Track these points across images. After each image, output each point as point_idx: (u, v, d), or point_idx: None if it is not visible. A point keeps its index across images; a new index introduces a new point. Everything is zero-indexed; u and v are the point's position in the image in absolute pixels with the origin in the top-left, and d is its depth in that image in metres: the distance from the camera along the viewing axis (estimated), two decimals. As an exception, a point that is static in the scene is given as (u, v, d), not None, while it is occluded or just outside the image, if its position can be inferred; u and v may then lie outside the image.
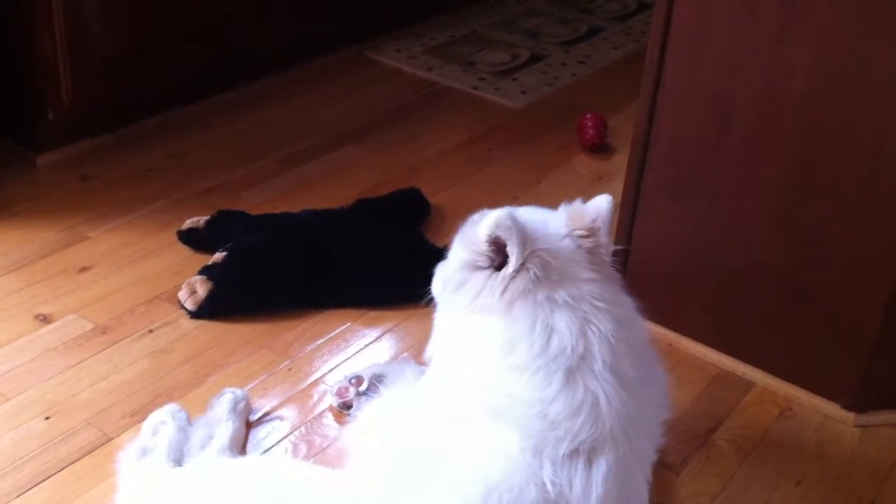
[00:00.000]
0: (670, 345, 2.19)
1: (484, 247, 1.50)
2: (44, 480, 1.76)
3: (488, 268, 1.51)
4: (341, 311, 2.24)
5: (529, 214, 1.57)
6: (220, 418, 1.83)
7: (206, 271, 2.24)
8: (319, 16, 3.28)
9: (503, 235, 1.47)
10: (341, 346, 2.15)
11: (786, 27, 1.81)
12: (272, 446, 1.88)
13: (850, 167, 1.84)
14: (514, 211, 1.52)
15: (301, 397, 2.00)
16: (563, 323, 1.46)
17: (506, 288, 1.48)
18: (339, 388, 1.97)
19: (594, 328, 1.47)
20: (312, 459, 1.84)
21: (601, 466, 1.42)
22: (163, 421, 1.80)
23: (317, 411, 1.97)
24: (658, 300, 1.97)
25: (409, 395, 1.69)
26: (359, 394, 1.94)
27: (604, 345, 1.47)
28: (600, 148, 2.98)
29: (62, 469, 1.79)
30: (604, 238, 1.57)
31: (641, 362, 1.55)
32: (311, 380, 2.05)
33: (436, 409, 1.54)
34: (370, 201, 2.57)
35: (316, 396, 2.00)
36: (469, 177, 2.83)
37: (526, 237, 1.48)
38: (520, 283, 1.48)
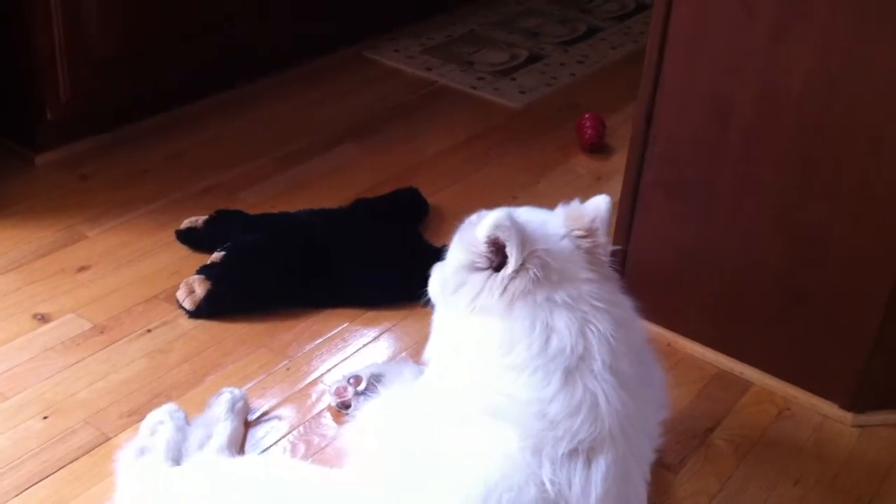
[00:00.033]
0: (669, 344, 2.19)
1: (483, 248, 1.50)
2: (42, 480, 1.76)
3: (487, 269, 1.51)
4: (340, 311, 2.24)
5: (528, 215, 1.57)
6: (218, 418, 1.83)
7: (204, 271, 2.24)
8: (319, 16, 3.28)
9: (502, 236, 1.47)
10: (340, 346, 2.15)
11: (784, 27, 1.81)
12: (270, 446, 1.88)
13: (849, 167, 1.84)
14: (512, 211, 1.52)
15: (299, 397, 2.00)
16: (563, 323, 1.47)
17: (505, 288, 1.48)
18: (338, 388, 1.97)
19: (593, 328, 1.47)
20: (311, 459, 1.84)
21: (600, 466, 1.42)
22: (161, 420, 1.80)
23: (315, 411, 1.97)
24: (657, 300, 1.97)
25: (408, 395, 1.69)
26: (357, 393, 1.94)
27: (603, 345, 1.47)
28: (599, 148, 2.98)
29: (60, 468, 1.78)
30: (602, 238, 1.57)
31: (640, 362, 1.55)
32: (309, 379, 2.05)
33: (434, 408, 1.54)
34: (369, 201, 2.57)
35: (314, 396, 2.00)
36: (467, 176, 2.83)
37: (525, 238, 1.48)
38: (519, 283, 1.48)
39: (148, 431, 1.79)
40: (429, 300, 1.67)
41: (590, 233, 1.56)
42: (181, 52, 2.86)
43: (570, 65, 3.59)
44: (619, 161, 2.62)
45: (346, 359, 2.11)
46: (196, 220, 2.45)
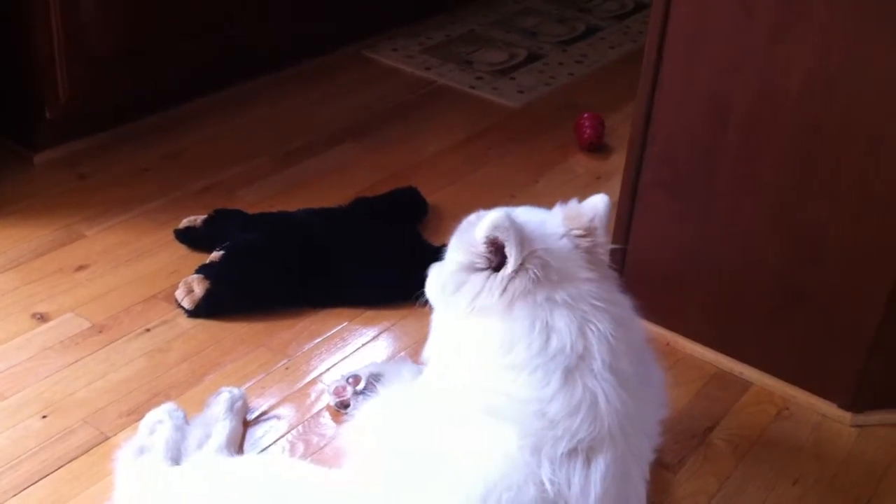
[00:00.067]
0: (668, 344, 2.19)
1: (482, 248, 1.50)
2: (41, 479, 1.76)
3: (487, 269, 1.51)
4: (338, 310, 2.24)
5: (526, 215, 1.57)
6: (217, 417, 1.83)
7: (203, 270, 2.24)
8: (318, 16, 3.28)
9: (501, 236, 1.47)
10: (339, 345, 2.15)
11: (783, 27, 1.81)
12: (269, 445, 1.88)
13: (848, 167, 1.84)
14: (511, 211, 1.52)
15: (298, 396, 2.00)
16: (563, 322, 1.47)
17: (505, 288, 1.48)
18: (337, 387, 1.97)
19: (593, 327, 1.47)
20: (310, 458, 1.84)
21: (599, 465, 1.42)
22: (160, 420, 1.80)
23: (314, 410, 1.97)
24: (656, 299, 1.97)
25: (407, 394, 1.69)
26: (356, 393, 1.94)
27: (603, 344, 1.47)
28: (598, 147, 2.98)
29: (59, 468, 1.78)
30: (601, 237, 1.57)
31: (639, 361, 1.55)
32: (308, 379, 2.05)
33: (434, 407, 1.54)
34: (368, 200, 2.57)
35: (313, 395, 2.00)
36: (466, 176, 2.83)
37: (524, 237, 1.48)
38: (519, 283, 1.48)
39: (147, 431, 1.79)
40: (426, 300, 1.67)
41: (588, 232, 1.56)
42: (181, 51, 2.86)
43: (569, 64, 3.59)
44: (617, 160, 2.63)
45: (344, 358, 2.11)
46: (195, 219, 2.44)
